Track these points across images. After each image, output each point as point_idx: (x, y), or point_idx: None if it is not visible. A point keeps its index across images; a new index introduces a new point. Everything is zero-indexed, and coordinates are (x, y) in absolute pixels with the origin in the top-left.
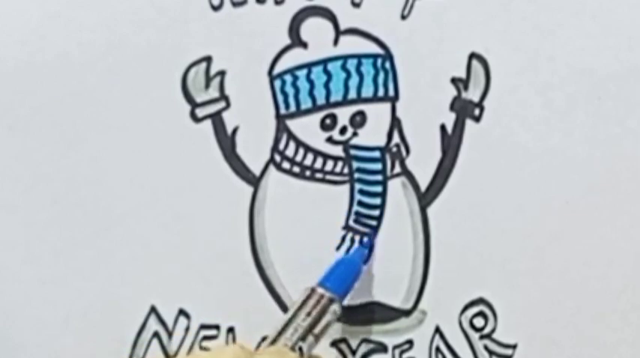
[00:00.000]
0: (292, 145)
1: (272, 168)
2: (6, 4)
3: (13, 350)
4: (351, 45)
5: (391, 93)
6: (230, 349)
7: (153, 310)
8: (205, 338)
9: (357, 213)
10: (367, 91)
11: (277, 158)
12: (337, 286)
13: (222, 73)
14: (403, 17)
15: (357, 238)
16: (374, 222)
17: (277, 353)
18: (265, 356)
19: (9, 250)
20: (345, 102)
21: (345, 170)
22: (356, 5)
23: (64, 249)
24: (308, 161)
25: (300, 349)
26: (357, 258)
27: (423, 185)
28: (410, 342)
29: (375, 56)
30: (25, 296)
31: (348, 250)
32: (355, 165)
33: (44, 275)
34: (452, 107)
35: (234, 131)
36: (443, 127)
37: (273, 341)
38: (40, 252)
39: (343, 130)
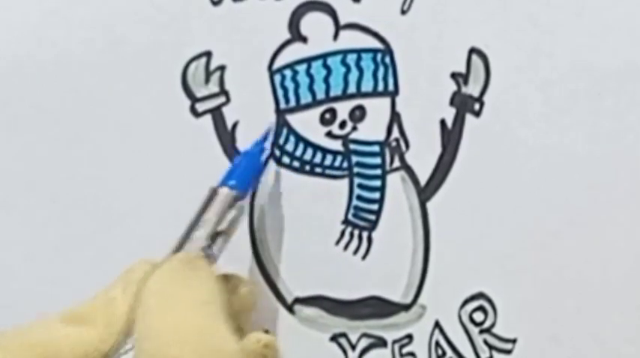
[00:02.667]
0: (292, 140)
1: (272, 163)
2: (5, 1)
3: None
4: (351, 39)
5: (391, 87)
6: (137, 267)
7: None
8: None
9: (357, 208)
10: (367, 86)
11: (277, 153)
12: (240, 182)
13: (222, 68)
14: (403, 12)
15: (356, 232)
16: (373, 217)
17: (185, 260)
18: (173, 262)
19: (8, 249)
20: (344, 96)
21: (345, 164)
22: (356, 0)
23: (63, 247)
24: (308, 156)
25: (210, 254)
26: (257, 151)
27: (423, 179)
28: (409, 337)
29: (374, 51)
30: (24, 295)
31: (347, 245)
32: (354, 159)
33: (44, 274)
34: (452, 102)
35: (234, 126)
36: (443, 122)
37: (179, 248)
38: (39, 251)
39: (343, 125)
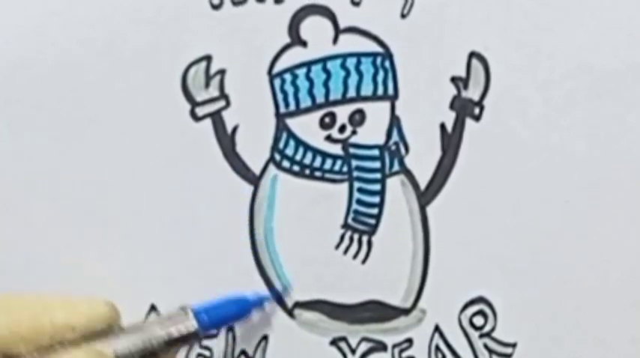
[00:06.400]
0: (292, 144)
1: (272, 167)
2: (5, 1)
3: None
4: (351, 43)
5: (390, 91)
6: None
7: (153, 308)
8: (205, 336)
9: (356, 212)
10: (366, 90)
11: (277, 157)
12: (211, 322)
13: (222, 72)
14: (403, 16)
15: (355, 236)
16: (373, 221)
17: (96, 355)
18: (79, 354)
19: (8, 249)
20: (344, 100)
21: (344, 168)
22: (355, 4)
23: (63, 247)
24: (307, 159)
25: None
26: (252, 303)
27: (423, 183)
28: (409, 341)
29: (374, 54)
30: None
31: (346, 249)
32: (354, 163)
33: (44, 275)
34: (452, 106)
35: (234, 130)
36: (442, 126)
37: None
38: (39, 251)
39: (342, 129)
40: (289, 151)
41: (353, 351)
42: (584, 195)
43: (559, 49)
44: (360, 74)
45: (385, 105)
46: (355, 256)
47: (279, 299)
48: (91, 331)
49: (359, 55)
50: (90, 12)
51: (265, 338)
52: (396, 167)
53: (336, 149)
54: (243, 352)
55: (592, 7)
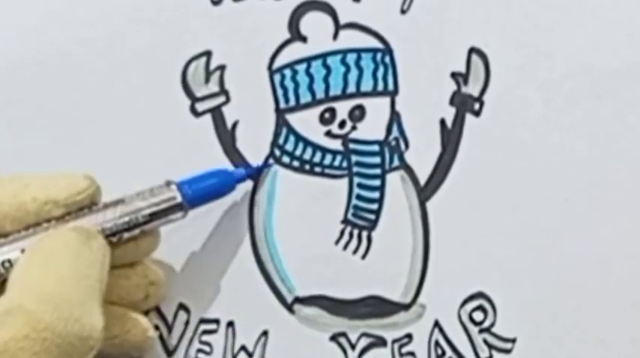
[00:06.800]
0: (292, 139)
1: (272, 163)
2: (5, 1)
3: None
4: (351, 39)
5: (390, 87)
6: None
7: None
8: (205, 332)
9: (356, 207)
10: (366, 85)
11: (277, 152)
12: (194, 194)
13: (222, 68)
14: (403, 11)
15: (355, 232)
16: (373, 216)
17: (81, 231)
18: (68, 232)
19: None
20: (344, 96)
21: (344, 164)
22: (356, 0)
23: None
24: (307, 155)
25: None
26: (235, 177)
27: (423, 179)
28: (409, 336)
29: (374, 50)
30: None
31: (346, 245)
32: (354, 158)
33: None
34: (451, 101)
35: (234, 125)
36: (442, 122)
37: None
38: None
39: (342, 124)
40: (289, 147)
41: (353, 347)
42: (584, 193)
43: (559, 49)
44: (360, 70)
45: (385, 101)
46: (355, 251)
47: (262, 172)
48: (75, 205)
49: (359, 51)
50: (90, 12)
51: (265, 333)
52: (396, 162)
53: (336, 144)
54: (243, 347)
55: (592, 7)
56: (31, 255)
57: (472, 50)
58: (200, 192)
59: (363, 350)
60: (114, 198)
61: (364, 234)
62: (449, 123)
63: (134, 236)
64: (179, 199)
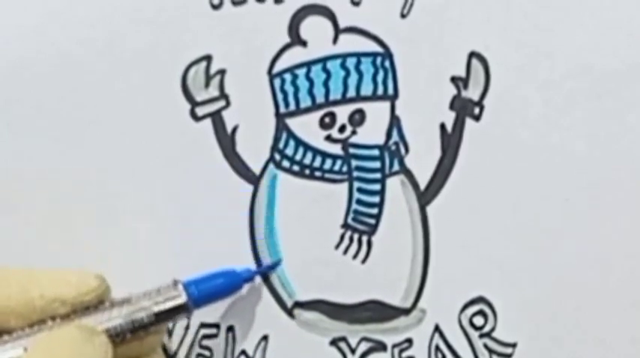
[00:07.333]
0: (292, 144)
1: (272, 167)
2: (5, 2)
3: None
4: (351, 43)
5: (390, 91)
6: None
7: None
8: (205, 336)
9: (356, 212)
10: (366, 90)
11: (277, 157)
12: (200, 295)
13: (222, 72)
14: (403, 16)
15: (355, 236)
16: (373, 221)
17: (84, 329)
18: (72, 329)
19: (8, 249)
20: (344, 100)
21: (344, 168)
22: (355, 4)
23: (63, 248)
24: (307, 159)
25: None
26: (242, 277)
27: (423, 183)
28: (409, 341)
29: (374, 54)
30: None
31: (346, 249)
32: (354, 163)
33: None
34: (451, 106)
35: (234, 130)
36: (442, 126)
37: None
38: (39, 252)
39: (342, 129)
40: (289, 151)
41: (353, 351)
42: (584, 195)
43: (559, 49)
44: (360, 74)
45: (385, 105)
46: (355, 256)
47: (269, 273)
48: (82, 304)
49: (359, 55)
50: (90, 12)
51: (265, 338)
52: (396, 167)
53: (336, 149)
54: (243, 352)
55: (592, 7)
56: (33, 353)
57: (472, 54)
58: (206, 292)
59: (363, 355)
60: (120, 298)
61: (364, 238)
62: (449, 127)
63: (139, 335)
64: (185, 301)
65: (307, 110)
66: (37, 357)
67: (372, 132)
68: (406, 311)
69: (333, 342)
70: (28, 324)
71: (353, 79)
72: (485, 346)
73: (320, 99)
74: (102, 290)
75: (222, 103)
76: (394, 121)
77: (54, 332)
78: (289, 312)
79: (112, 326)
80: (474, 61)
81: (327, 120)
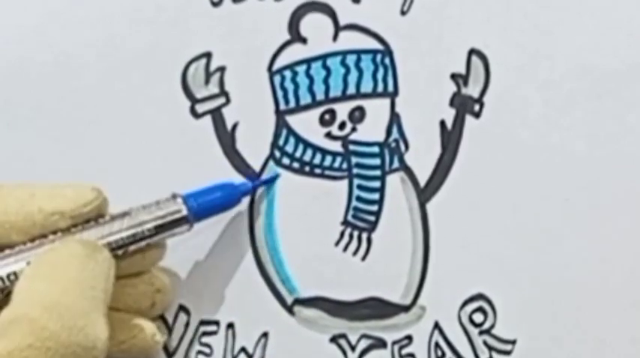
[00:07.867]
0: (292, 141)
1: (272, 164)
2: (5, 2)
3: None
4: (351, 40)
5: (390, 88)
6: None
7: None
8: (205, 333)
9: (356, 209)
10: (366, 87)
11: (277, 154)
12: (201, 209)
13: (222, 69)
14: (403, 13)
15: (355, 233)
16: (373, 218)
17: (86, 244)
18: (74, 243)
19: None
20: (344, 97)
21: (344, 165)
22: (355, 1)
23: None
24: (307, 156)
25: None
26: (241, 190)
27: (423, 180)
28: (409, 338)
29: (374, 52)
30: None
31: (346, 246)
32: (354, 160)
33: None
34: (451, 103)
35: (234, 127)
36: (442, 123)
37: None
38: None
39: (342, 126)
40: (289, 148)
41: (353, 348)
42: (584, 194)
43: (559, 50)
44: (360, 71)
45: (385, 102)
46: (355, 253)
47: (266, 186)
48: (81, 216)
49: (359, 52)
50: (90, 12)
51: (265, 335)
52: (396, 164)
53: (336, 146)
54: (243, 349)
55: (592, 7)
56: (36, 266)
57: (472, 51)
58: (205, 205)
59: (363, 352)
60: (120, 211)
61: (364, 235)
62: (449, 124)
63: (140, 248)
64: (185, 212)
65: (307, 107)
66: (39, 269)
67: (372, 129)
68: (406, 308)
69: (333, 339)
70: (30, 239)
71: (353, 76)
72: (485, 343)
73: (320, 96)
74: (99, 201)
75: (222, 100)
76: (394, 118)
77: (56, 246)
78: (289, 309)
79: (114, 239)
80: (474, 58)
81: (327, 117)
